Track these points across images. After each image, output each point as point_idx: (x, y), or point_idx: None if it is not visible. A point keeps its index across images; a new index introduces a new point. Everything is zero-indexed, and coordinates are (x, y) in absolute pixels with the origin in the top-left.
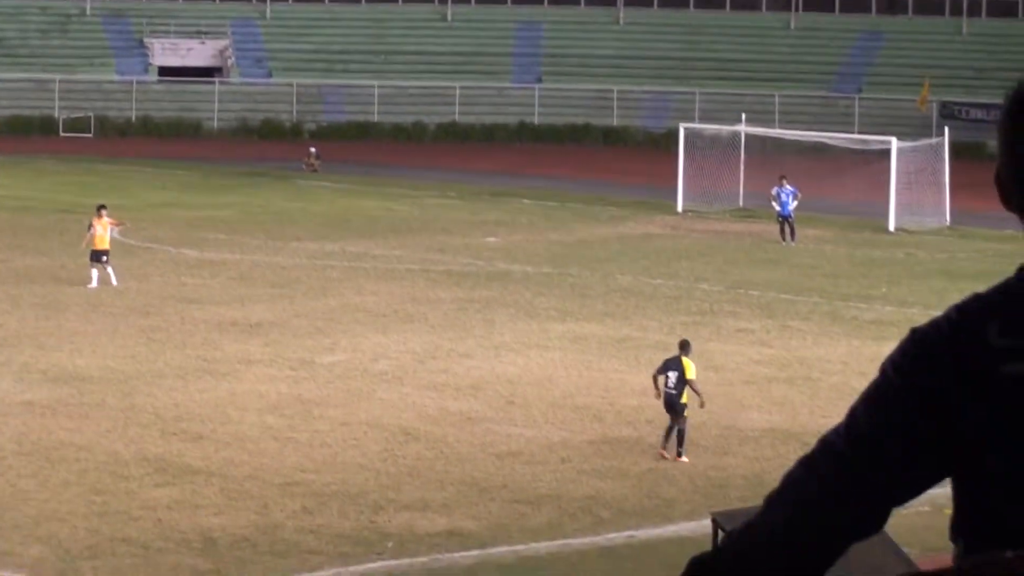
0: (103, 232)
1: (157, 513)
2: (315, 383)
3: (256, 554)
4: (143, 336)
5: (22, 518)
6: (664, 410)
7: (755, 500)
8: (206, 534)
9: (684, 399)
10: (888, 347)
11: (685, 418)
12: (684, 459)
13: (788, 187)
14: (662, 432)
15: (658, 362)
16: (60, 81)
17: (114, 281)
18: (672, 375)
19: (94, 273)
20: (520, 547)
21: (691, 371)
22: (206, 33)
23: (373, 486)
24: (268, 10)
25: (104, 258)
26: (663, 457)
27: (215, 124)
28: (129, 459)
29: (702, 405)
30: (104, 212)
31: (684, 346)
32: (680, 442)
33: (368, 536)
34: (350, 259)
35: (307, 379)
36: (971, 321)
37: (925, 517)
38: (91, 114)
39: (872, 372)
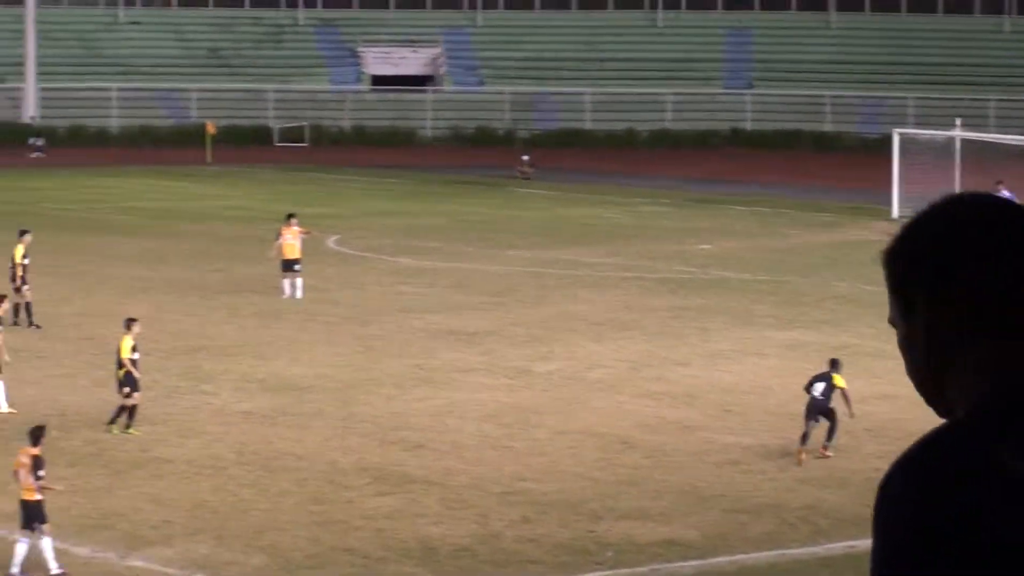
0: (293, 241)
1: (377, 523)
2: (532, 392)
3: (476, 563)
4: (360, 345)
5: (243, 528)
6: (805, 416)
7: None
8: (426, 543)
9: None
10: None
11: (836, 417)
12: (830, 454)
13: (1005, 192)
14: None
15: (877, 370)
16: (274, 91)
17: (299, 293)
18: (820, 386)
19: (285, 283)
20: (740, 557)
21: (842, 384)
22: (418, 41)
23: (592, 495)
24: (479, 18)
25: (296, 267)
26: (800, 462)
27: (428, 132)
28: (348, 468)
29: (851, 416)
30: (294, 221)
31: (834, 364)
32: (830, 436)
33: (587, 545)
34: (564, 267)
35: (524, 388)
36: (974, 445)
37: None
38: (305, 123)
39: None
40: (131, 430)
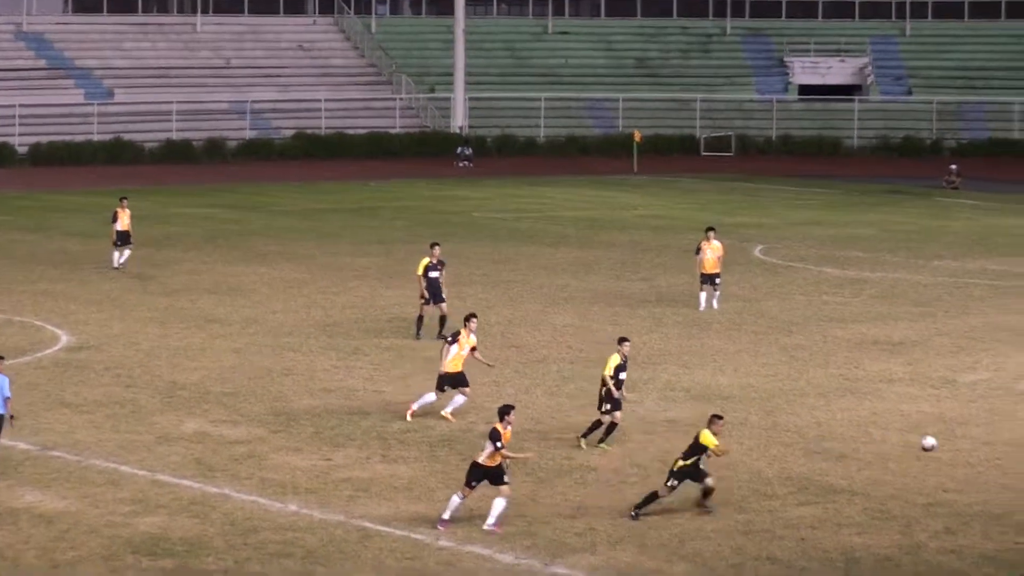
0: (712, 255)
1: (800, 532)
2: (957, 402)
3: (899, 574)
4: (785, 355)
5: (667, 536)
6: None
7: None
8: (849, 553)
9: None
10: None
11: None
12: None
13: None
14: None
15: None
16: (700, 100)
17: (715, 304)
18: None
19: (703, 296)
20: None
21: None
22: (846, 51)
23: (1018, 506)
24: (908, 27)
25: (716, 280)
26: None
27: (854, 142)
28: (772, 477)
29: None
30: (712, 234)
31: None
32: None
33: (1012, 557)
34: (992, 277)
35: (949, 398)
36: None
37: None
38: (731, 133)
39: None
40: (603, 445)
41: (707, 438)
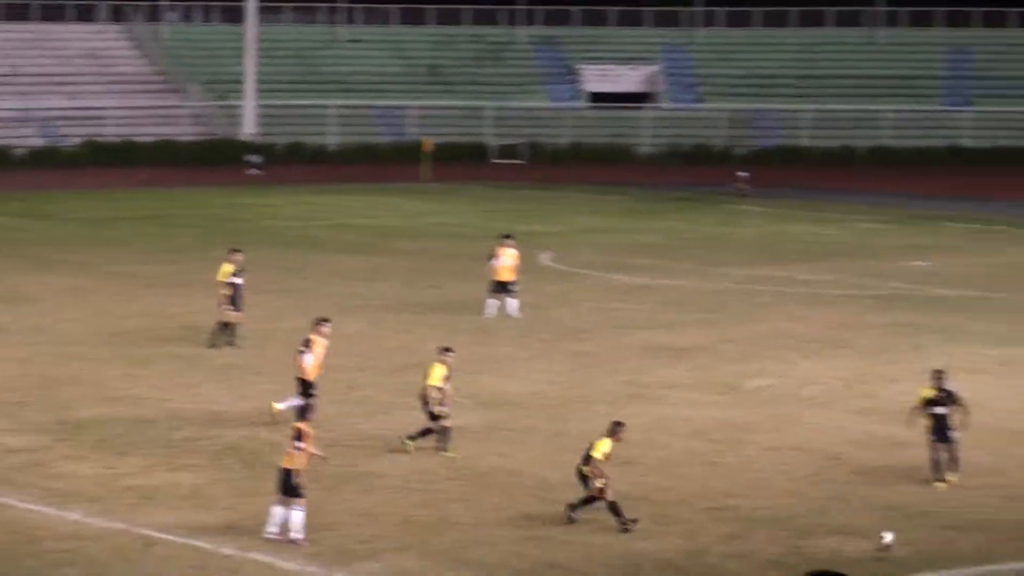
0: (509, 262)
1: (584, 538)
2: (742, 408)
3: None
4: (573, 362)
5: (451, 543)
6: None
7: None
8: (632, 559)
9: None
10: None
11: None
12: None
13: None
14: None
15: None
16: (492, 108)
17: (515, 313)
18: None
19: (492, 304)
20: (946, 573)
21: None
22: (637, 59)
23: (800, 511)
24: (698, 35)
25: (510, 287)
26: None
27: (645, 149)
28: (557, 484)
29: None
30: (509, 242)
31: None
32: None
33: (794, 561)
34: (778, 284)
35: (734, 404)
36: None
37: None
38: (522, 140)
39: None
40: (448, 453)
41: (599, 447)
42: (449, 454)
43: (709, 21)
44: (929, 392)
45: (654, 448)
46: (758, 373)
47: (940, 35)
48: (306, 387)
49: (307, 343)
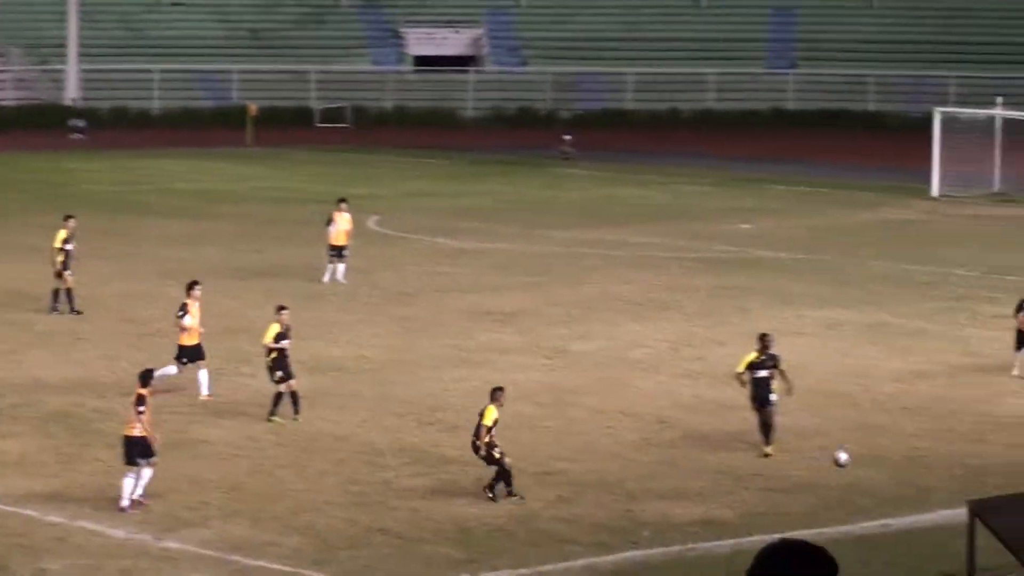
0: (344, 226)
1: (413, 503)
2: (569, 371)
3: (512, 543)
4: (399, 326)
5: (281, 509)
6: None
7: (1013, 488)
8: (461, 524)
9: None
10: None
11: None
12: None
13: None
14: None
15: (914, 349)
16: (316, 72)
17: (341, 278)
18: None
19: (330, 268)
20: (775, 535)
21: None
22: (460, 22)
23: (629, 475)
24: None
25: (344, 252)
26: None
27: (470, 113)
28: (385, 449)
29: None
30: (344, 206)
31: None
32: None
33: (624, 525)
34: (605, 247)
35: (561, 367)
36: None
37: None
38: (347, 104)
39: None
40: (296, 418)
41: (488, 415)
42: (278, 419)
43: None
44: (752, 356)
45: None
46: (585, 336)
47: None
48: (191, 353)
49: (184, 308)
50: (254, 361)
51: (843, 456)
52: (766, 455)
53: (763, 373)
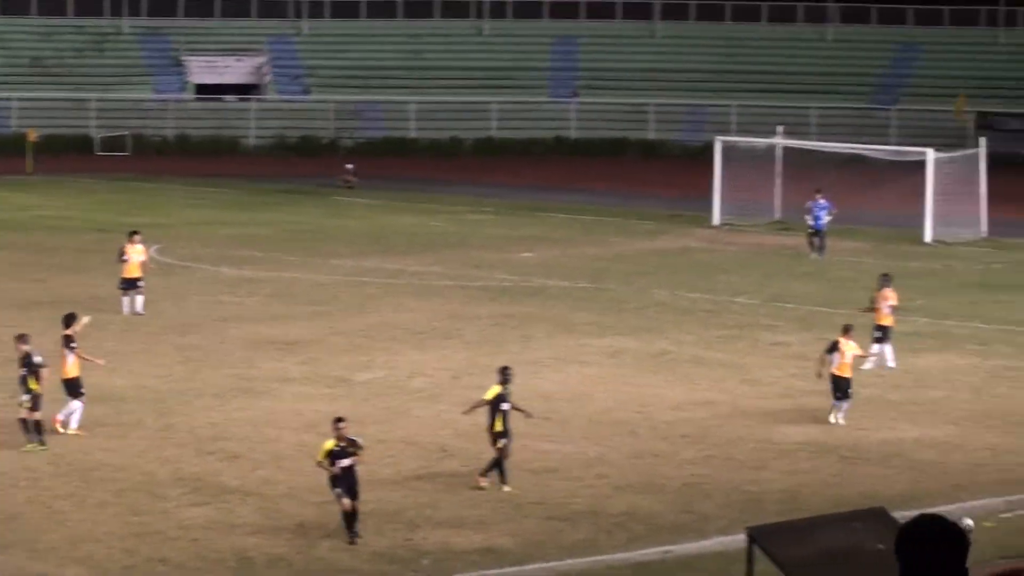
0: (137, 258)
1: (193, 533)
2: (352, 401)
3: (292, 573)
4: (180, 355)
5: (59, 540)
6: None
7: (790, 515)
8: (242, 554)
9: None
10: (925, 359)
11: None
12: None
13: (822, 201)
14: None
15: (695, 377)
16: (96, 100)
17: (139, 309)
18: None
19: (125, 301)
20: (555, 563)
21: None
22: (243, 50)
23: (410, 504)
24: (305, 26)
25: (139, 284)
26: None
27: (252, 141)
28: (165, 479)
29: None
30: (137, 238)
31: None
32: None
33: (404, 554)
34: (388, 276)
35: (344, 396)
36: None
37: None
38: (127, 132)
39: (909, 385)
40: (29, 447)
41: (324, 448)
42: (29, 447)
43: (316, 12)
44: (496, 389)
45: (264, 442)
46: (367, 365)
47: (546, 27)
48: (72, 387)
49: (67, 341)
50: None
51: (967, 522)
52: (482, 487)
53: (506, 406)
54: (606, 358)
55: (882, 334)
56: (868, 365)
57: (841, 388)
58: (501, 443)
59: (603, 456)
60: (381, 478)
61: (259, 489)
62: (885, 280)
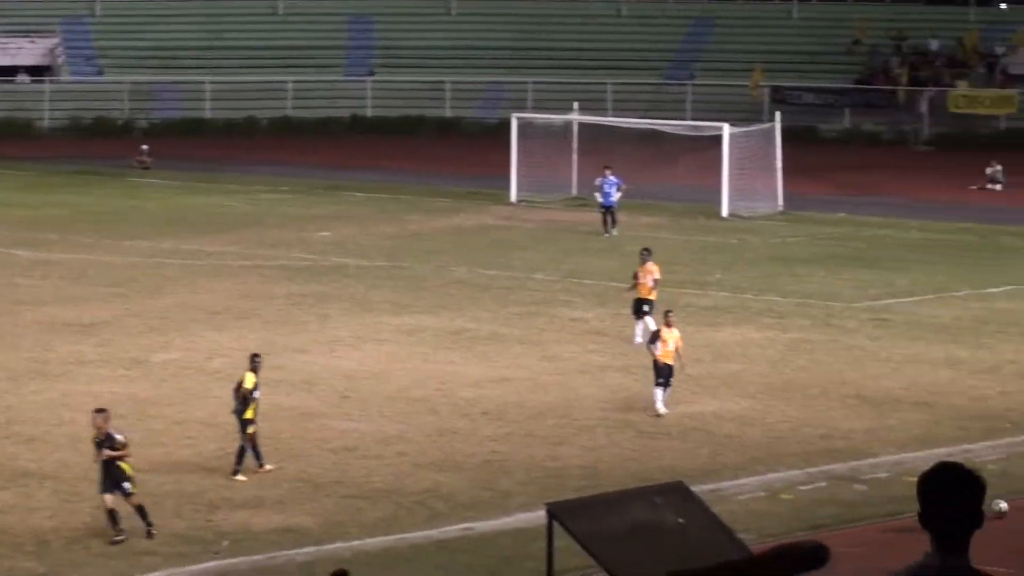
0: None
1: None
2: (149, 382)
3: (90, 556)
4: None
5: None
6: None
7: (591, 490)
8: (40, 537)
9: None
10: (723, 333)
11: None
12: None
13: (612, 178)
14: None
15: (493, 354)
16: None
17: None
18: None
19: None
20: (356, 542)
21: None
22: (35, 31)
23: (208, 485)
24: (98, 7)
25: None
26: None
27: (46, 123)
28: None
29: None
30: None
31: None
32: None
33: (204, 535)
34: (184, 257)
35: (141, 378)
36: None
37: (762, 503)
38: None
39: (706, 358)
40: None
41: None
42: None
43: None
44: (252, 377)
45: (60, 424)
46: (165, 347)
47: (341, 5)
48: None
49: None
50: None
51: (1003, 505)
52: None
53: (258, 394)
54: (404, 336)
55: (649, 308)
56: (639, 340)
57: (663, 375)
58: (251, 429)
59: (403, 434)
60: (179, 460)
61: (56, 472)
62: (646, 254)
